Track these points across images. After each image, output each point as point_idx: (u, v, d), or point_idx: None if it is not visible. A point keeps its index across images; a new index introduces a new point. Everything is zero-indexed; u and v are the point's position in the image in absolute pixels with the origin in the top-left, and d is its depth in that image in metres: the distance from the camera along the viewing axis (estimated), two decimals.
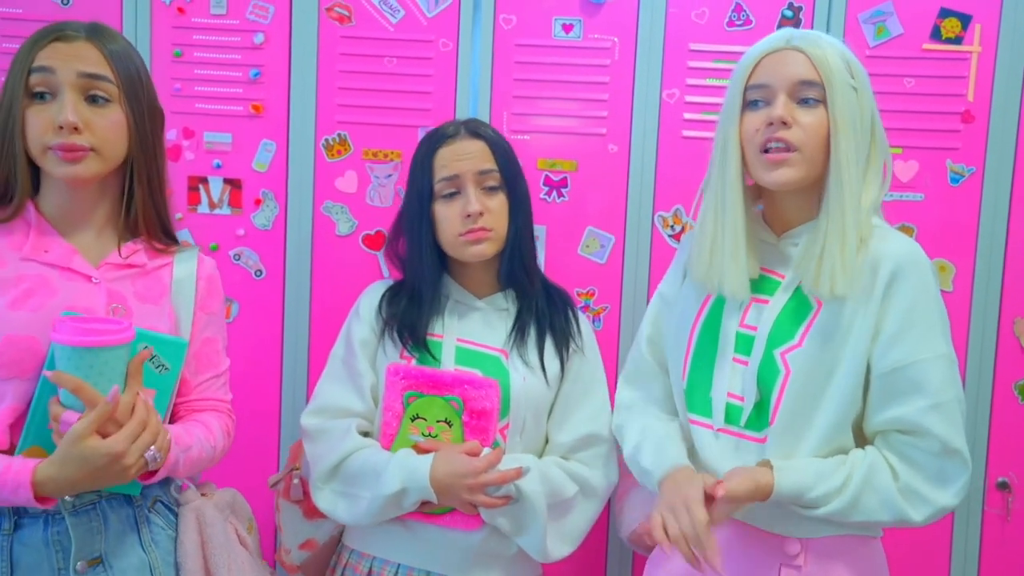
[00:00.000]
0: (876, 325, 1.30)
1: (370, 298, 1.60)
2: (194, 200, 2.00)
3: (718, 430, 1.37)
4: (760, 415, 1.34)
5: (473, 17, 1.95)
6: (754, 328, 1.36)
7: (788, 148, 1.29)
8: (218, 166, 1.99)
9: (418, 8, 1.96)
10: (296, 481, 1.51)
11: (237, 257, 2.01)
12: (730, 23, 1.93)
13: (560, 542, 1.49)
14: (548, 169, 1.97)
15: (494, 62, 1.95)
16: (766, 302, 1.37)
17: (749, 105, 1.33)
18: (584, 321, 1.63)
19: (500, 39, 1.95)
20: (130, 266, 1.37)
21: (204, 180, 2.00)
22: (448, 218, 1.49)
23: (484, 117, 1.95)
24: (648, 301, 1.91)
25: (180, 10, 1.97)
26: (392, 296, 1.57)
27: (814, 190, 1.36)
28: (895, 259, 1.30)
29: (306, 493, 1.51)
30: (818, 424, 1.32)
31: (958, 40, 1.90)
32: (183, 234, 1.98)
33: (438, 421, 1.44)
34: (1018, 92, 1.90)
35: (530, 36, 1.95)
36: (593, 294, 1.98)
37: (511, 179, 1.53)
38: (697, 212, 1.46)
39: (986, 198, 1.93)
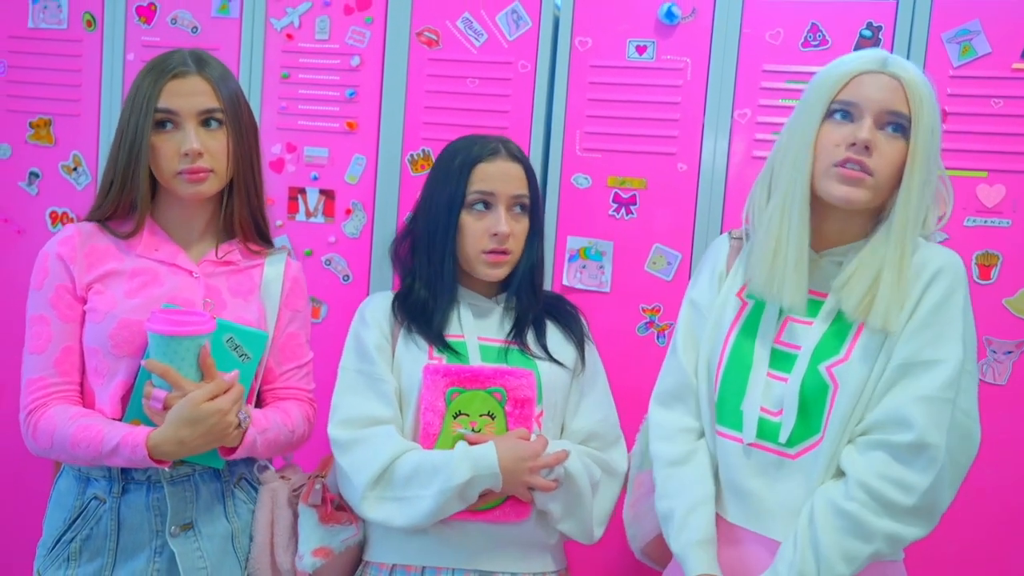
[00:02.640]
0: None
1: (376, 305, 1.62)
2: (293, 209, 2.18)
3: (749, 444, 1.36)
4: (803, 430, 1.33)
5: (552, 40, 2.04)
6: (793, 347, 1.36)
7: (864, 171, 1.29)
8: (315, 178, 2.17)
9: (500, 32, 2.06)
10: (318, 487, 1.53)
11: (328, 262, 2.17)
12: (805, 43, 1.91)
13: (597, 524, 1.54)
14: (618, 186, 2.02)
15: (569, 82, 2.03)
16: (804, 322, 1.36)
17: (830, 116, 1.32)
18: (583, 319, 1.68)
19: (576, 60, 2.02)
20: (226, 263, 1.55)
21: (302, 191, 2.18)
22: (475, 232, 1.54)
23: (558, 135, 2.03)
24: None
25: (289, 36, 2.16)
26: (404, 301, 1.60)
27: (866, 212, 1.35)
28: (937, 263, 1.31)
29: (325, 499, 1.52)
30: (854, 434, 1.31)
31: None
32: (282, 239, 2.17)
33: (481, 415, 1.49)
34: None
35: (605, 57, 2.01)
36: (659, 310, 2.01)
37: (535, 206, 1.60)
38: (750, 214, 1.44)
39: None
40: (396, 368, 1.55)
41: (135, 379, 1.44)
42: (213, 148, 1.46)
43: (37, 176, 2.29)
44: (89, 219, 1.51)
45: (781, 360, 1.36)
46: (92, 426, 1.39)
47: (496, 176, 1.54)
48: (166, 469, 1.43)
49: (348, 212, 2.16)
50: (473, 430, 1.48)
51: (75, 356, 1.46)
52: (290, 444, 1.57)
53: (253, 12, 2.16)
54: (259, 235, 1.60)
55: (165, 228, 1.53)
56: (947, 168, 1.82)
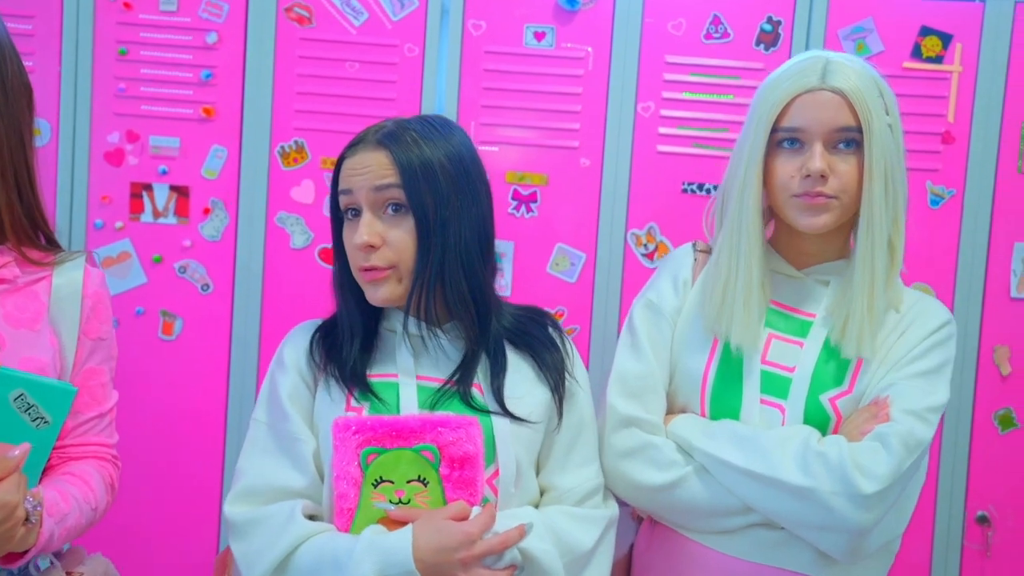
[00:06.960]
0: None
1: (295, 343, 1.25)
2: (137, 208, 1.86)
3: None
4: None
5: (440, 22, 1.86)
6: (785, 368, 1.26)
7: (825, 197, 1.21)
8: (164, 172, 1.86)
9: (383, 11, 1.86)
10: None
11: (182, 270, 1.87)
12: (707, 36, 1.86)
13: None
14: (517, 183, 1.87)
15: (462, 69, 1.86)
16: (793, 341, 1.27)
17: (779, 145, 1.23)
18: (569, 341, 1.30)
19: (468, 46, 1.86)
20: None
21: (148, 187, 1.86)
22: (348, 246, 1.18)
23: None
24: (620, 322, 1.82)
25: (126, 5, 1.84)
26: (324, 336, 1.24)
27: (842, 227, 1.28)
28: (942, 318, 1.26)
29: None
30: None
31: (939, 59, 1.85)
32: (123, 244, 1.85)
33: (409, 481, 1.13)
34: (999, 113, 1.86)
35: (500, 43, 1.86)
36: (562, 314, 1.88)
37: (419, 199, 1.14)
38: (713, 221, 1.35)
39: (966, 221, 1.88)
40: (315, 423, 1.20)
41: None
42: None
43: None
44: None
45: (773, 384, 1.26)
46: None
47: (353, 170, 1.17)
48: None
49: (206, 212, 1.86)
50: (399, 501, 1.13)
51: None
52: (91, 524, 1.15)
53: None
54: (37, 238, 1.14)
55: None
56: None
